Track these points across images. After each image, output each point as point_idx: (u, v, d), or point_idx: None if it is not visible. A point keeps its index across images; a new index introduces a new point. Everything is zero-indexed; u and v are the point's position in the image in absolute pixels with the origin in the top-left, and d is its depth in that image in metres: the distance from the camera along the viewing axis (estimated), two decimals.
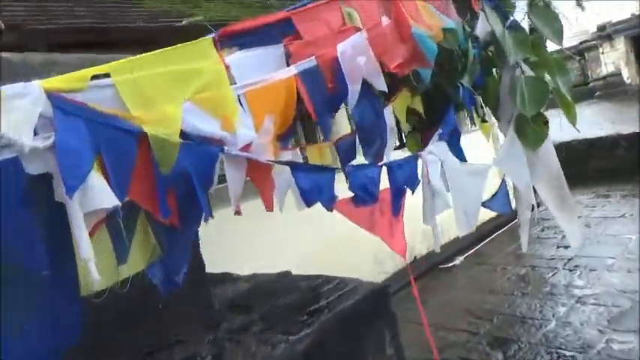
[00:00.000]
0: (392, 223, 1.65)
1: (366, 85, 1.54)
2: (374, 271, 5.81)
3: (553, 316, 4.36)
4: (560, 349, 3.85)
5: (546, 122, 1.93)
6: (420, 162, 1.80)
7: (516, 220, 7.72)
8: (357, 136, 1.76)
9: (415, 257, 6.36)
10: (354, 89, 1.49)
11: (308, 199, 1.40)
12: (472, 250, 6.68)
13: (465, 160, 2.30)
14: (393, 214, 1.65)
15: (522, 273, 5.57)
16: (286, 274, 2.49)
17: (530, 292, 4.99)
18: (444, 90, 1.92)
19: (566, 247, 6.05)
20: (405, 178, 1.71)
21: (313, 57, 1.40)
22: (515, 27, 1.92)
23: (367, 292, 2.24)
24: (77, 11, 3.58)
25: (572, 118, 2.03)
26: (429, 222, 1.97)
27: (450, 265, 6.27)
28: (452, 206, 1.95)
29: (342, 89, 1.46)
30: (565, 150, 10.12)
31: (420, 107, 2.06)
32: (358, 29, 1.53)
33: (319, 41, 1.41)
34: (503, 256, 6.33)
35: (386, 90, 1.60)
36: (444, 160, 1.85)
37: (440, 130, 1.89)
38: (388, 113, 1.91)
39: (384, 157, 1.80)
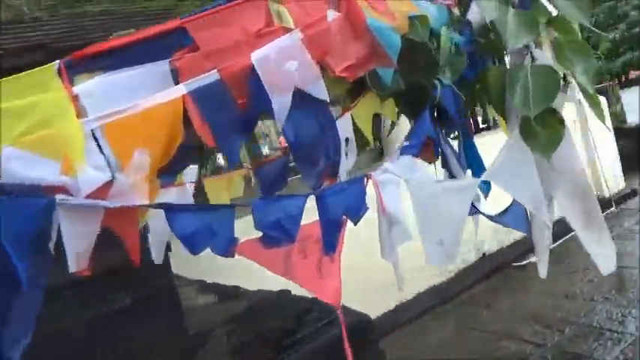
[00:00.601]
0: (322, 265, 1.36)
1: (303, 95, 1.30)
2: (435, 269, 5.45)
3: (636, 329, 3.75)
4: None
5: (562, 121, 1.54)
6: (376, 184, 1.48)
7: (610, 210, 6.84)
8: (292, 157, 1.50)
9: (484, 254, 5.88)
10: (281, 101, 1.26)
11: (192, 245, 1.19)
12: (555, 244, 6.03)
13: (483, 170, 1.94)
14: (326, 253, 1.39)
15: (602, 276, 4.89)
16: (283, 294, 2.32)
17: (614, 297, 4.35)
18: (420, 90, 1.60)
19: None
20: (344, 206, 1.41)
21: (214, 70, 1.19)
22: (525, 4, 1.54)
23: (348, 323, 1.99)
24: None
25: (599, 113, 1.61)
26: (387, 257, 1.65)
27: (524, 263, 5.69)
28: (412, 238, 1.60)
29: (258, 104, 1.23)
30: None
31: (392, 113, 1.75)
32: (288, 30, 1.30)
33: (225, 51, 1.19)
34: (584, 254, 5.62)
35: (326, 99, 1.35)
36: (410, 178, 1.53)
37: (405, 142, 1.57)
38: (344, 124, 1.65)
39: (339, 177, 1.55)
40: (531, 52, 1.58)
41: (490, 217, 2.02)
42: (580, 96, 6.46)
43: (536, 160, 1.66)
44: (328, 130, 1.43)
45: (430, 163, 1.87)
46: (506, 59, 1.74)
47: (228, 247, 1.22)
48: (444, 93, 1.63)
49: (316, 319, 2.02)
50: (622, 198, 7.22)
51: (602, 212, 6.52)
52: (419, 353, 4.35)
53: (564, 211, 1.95)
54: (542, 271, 2.14)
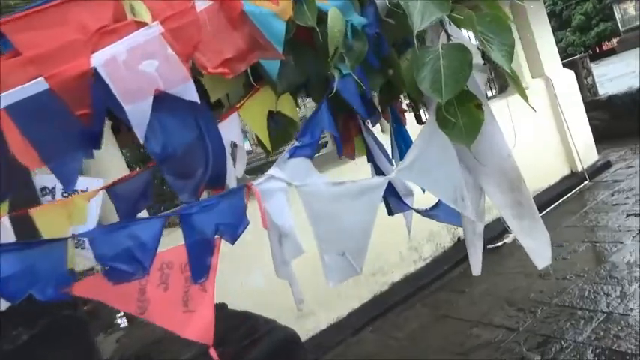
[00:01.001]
0: (189, 297, 1.16)
1: (168, 98, 1.14)
2: (409, 258, 5.34)
3: (608, 306, 3.68)
4: (611, 349, 3.22)
5: (479, 105, 1.40)
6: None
7: (584, 183, 6.78)
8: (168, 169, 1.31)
9: (459, 238, 5.78)
10: (138, 109, 1.10)
11: (9, 292, 1.01)
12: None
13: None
14: (195, 282, 1.19)
15: (581, 250, 4.82)
16: (221, 307, 2.17)
17: (586, 274, 4.28)
18: (319, 82, 1.44)
19: (638, 216, 5.17)
20: (216, 224, 1.23)
21: (41, 78, 1.02)
22: None
23: (275, 340, 1.86)
24: None
25: (522, 93, 1.48)
26: (281, 274, 1.50)
27: (500, 244, 5.61)
28: (304, 251, 1.45)
29: (103, 114, 1.07)
30: (613, 104, 8.79)
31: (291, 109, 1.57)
32: (143, 25, 1.13)
33: (56, 54, 1.02)
34: (563, 229, 5.55)
35: (196, 100, 1.18)
36: (303, 184, 1.38)
37: (296, 143, 1.42)
38: (229, 127, 1.44)
39: (227, 188, 1.38)
40: (446, 31, 1.43)
41: (420, 212, 1.88)
42: (549, 70, 6.42)
43: (459, 150, 1.51)
44: (207, 135, 1.26)
45: (352, 159, 1.73)
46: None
47: (56, 288, 1.04)
48: (343, 83, 1.46)
49: (243, 336, 1.89)
50: (596, 171, 7.18)
51: (577, 186, 6.43)
52: (392, 344, 4.26)
53: (494, 202, 1.82)
54: (475, 269, 2.01)
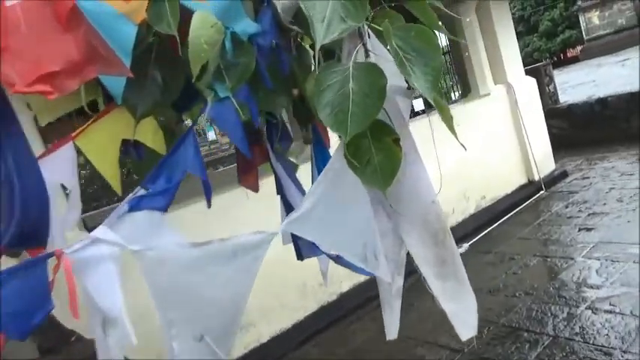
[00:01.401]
0: None
1: None
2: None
3: (554, 329, 3.56)
4: None
5: (397, 139, 1.15)
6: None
7: (540, 193, 6.72)
8: None
9: None
10: None
11: None
12: (482, 234, 5.84)
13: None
14: None
15: (532, 264, 4.72)
16: None
17: (535, 292, 4.17)
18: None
19: (590, 230, 5.11)
20: None
21: None
22: None
23: None
24: None
25: (447, 121, 1.24)
26: None
27: None
28: (135, 341, 1.13)
29: None
30: (601, 107, 8.84)
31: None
32: None
33: None
34: (516, 241, 5.46)
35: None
36: (147, 247, 1.07)
37: (140, 190, 1.10)
38: (55, 163, 1.10)
39: (55, 244, 1.06)
40: (364, 45, 1.17)
41: (334, 259, 1.63)
42: (511, 76, 6.23)
43: (375, 192, 1.25)
44: (16, 173, 0.95)
45: (255, 190, 1.47)
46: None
47: None
48: (218, 109, 1.14)
49: None
50: (552, 180, 7.15)
51: (533, 196, 6.32)
52: None
53: (414, 256, 1.58)
54: (391, 333, 1.77)
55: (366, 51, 1.17)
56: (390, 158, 1.12)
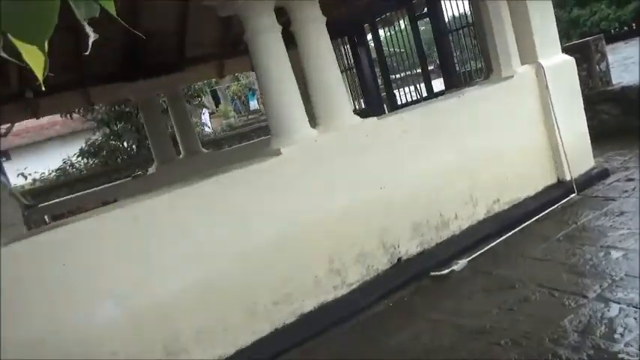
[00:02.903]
0: None
1: None
2: (329, 284, 4.36)
3: None
4: None
5: None
6: None
7: (570, 196, 5.58)
8: None
9: (399, 259, 4.76)
10: None
11: None
12: (485, 249, 4.87)
13: None
14: None
15: (534, 298, 3.76)
16: None
17: (525, 341, 3.25)
18: None
19: (618, 255, 4.05)
20: None
21: None
22: None
23: None
24: None
25: None
26: None
27: (446, 271, 4.58)
28: None
29: None
30: (626, 96, 7.35)
31: None
32: None
33: None
34: (524, 261, 4.48)
35: None
36: None
37: None
38: None
39: None
40: None
41: None
42: (543, 54, 4.92)
43: None
44: None
45: None
46: None
47: None
48: None
49: None
50: (589, 180, 5.99)
51: (561, 200, 5.17)
52: None
53: None
54: None
55: None
56: None
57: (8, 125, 12.43)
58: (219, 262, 3.86)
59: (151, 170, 8.29)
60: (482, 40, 6.29)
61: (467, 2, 7.41)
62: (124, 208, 3.62)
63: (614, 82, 8.26)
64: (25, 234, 3.91)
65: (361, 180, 4.42)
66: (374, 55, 9.13)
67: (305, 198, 4.09)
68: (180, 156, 8.49)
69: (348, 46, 8.82)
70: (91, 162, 13.86)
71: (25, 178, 13.45)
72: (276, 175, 3.97)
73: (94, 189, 8.18)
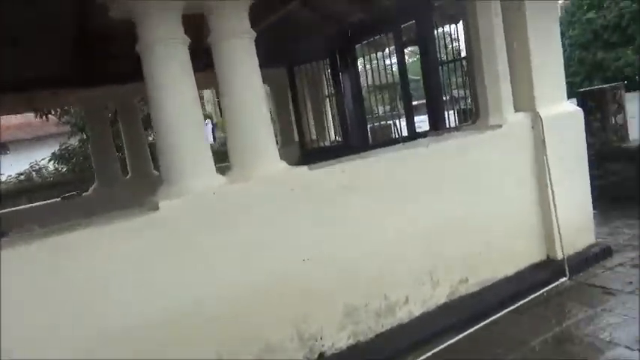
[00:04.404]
0: None
1: None
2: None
3: None
4: None
5: None
6: None
7: (560, 280, 4.45)
8: None
9: (322, 355, 3.66)
10: None
11: None
12: (441, 346, 3.76)
13: None
14: None
15: None
16: None
17: None
18: None
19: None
20: None
21: None
22: None
23: None
24: None
25: None
26: None
27: None
28: None
29: None
30: None
31: None
32: None
33: None
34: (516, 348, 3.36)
35: None
36: None
37: None
38: None
39: None
40: None
41: None
42: (543, 102, 3.63)
43: None
44: None
45: None
46: None
47: None
48: None
49: None
50: (585, 261, 4.86)
51: (546, 286, 3.84)
52: None
53: None
54: None
55: None
56: None
57: None
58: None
59: (89, 191, 7.33)
60: (472, 77, 5.25)
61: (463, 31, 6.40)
62: None
63: (631, 137, 7.15)
64: None
65: (275, 249, 3.36)
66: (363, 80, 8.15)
67: (182, 273, 3.03)
68: (127, 177, 7.53)
69: (329, 70, 7.83)
70: (62, 168, 13.01)
71: None
72: (144, 241, 2.92)
73: (22, 207, 7.25)
